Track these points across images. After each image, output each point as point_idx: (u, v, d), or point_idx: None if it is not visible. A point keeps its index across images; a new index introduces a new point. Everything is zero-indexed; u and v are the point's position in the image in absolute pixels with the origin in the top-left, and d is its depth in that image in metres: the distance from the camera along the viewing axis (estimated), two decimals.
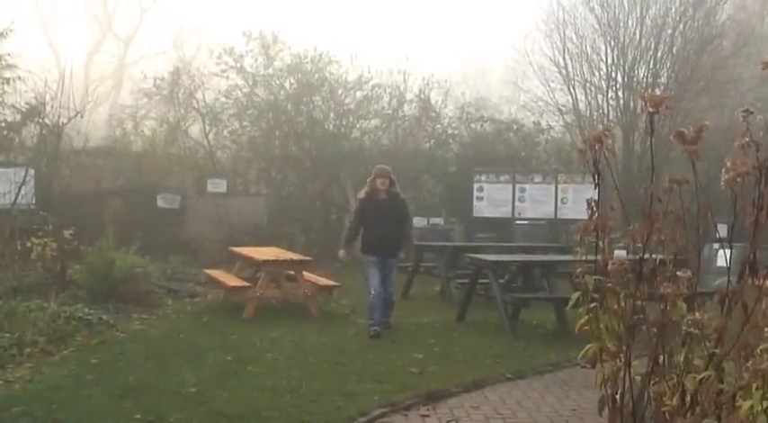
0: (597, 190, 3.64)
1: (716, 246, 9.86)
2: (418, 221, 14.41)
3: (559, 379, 7.13)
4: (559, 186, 16.23)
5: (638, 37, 17.55)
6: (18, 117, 14.77)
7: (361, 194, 9.32)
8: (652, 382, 3.49)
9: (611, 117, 17.61)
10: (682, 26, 17.43)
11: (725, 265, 3.63)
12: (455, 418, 5.82)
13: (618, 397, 3.72)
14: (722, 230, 3.75)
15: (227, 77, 19.65)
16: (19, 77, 14.22)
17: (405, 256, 10.04)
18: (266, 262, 10.31)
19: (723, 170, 2.96)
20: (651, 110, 3.19)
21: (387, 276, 9.04)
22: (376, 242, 8.98)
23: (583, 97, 18.23)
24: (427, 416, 5.83)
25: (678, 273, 3.26)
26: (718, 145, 10.25)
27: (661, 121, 3.52)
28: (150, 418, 5.56)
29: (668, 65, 17.59)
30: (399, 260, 9.49)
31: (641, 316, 3.51)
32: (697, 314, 3.09)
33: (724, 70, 17.19)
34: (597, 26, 17.83)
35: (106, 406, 5.85)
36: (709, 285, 7.89)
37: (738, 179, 2.91)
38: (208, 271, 11.61)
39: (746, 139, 2.93)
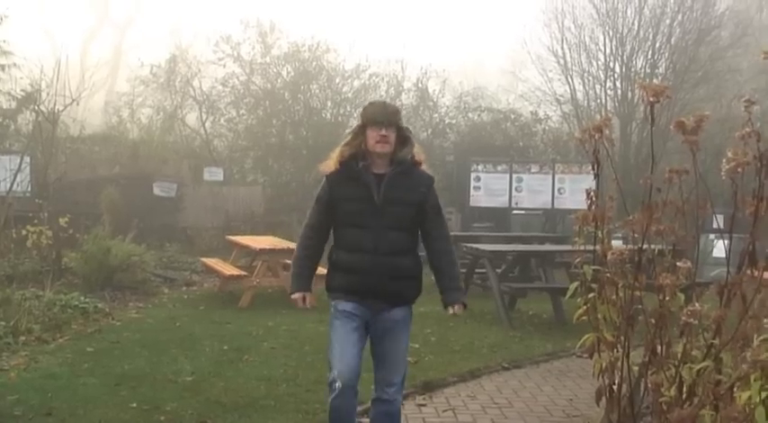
0: (596, 180, 3.62)
1: (712, 236, 9.90)
2: None
3: (556, 369, 7.13)
4: (556, 176, 16.20)
5: (636, 27, 17.51)
6: (14, 104, 14.75)
7: (330, 165, 4.29)
8: (650, 373, 3.48)
9: (608, 107, 17.58)
10: (680, 17, 17.39)
11: (721, 255, 3.62)
12: (451, 408, 5.81)
13: (615, 387, 3.71)
14: (717, 221, 3.75)
15: (224, 65, 19.64)
16: (14, 64, 14.17)
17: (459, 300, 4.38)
18: (263, 250, 10.29)
19: (724, 160, 2.94)
20: (652, 99, 3.17)
21: (384, 357, 4.28)
22: (359, 272, 4.17)
23: (581, 87, 18.21)
24: (424, 405, 5.83)
25: (678, 263, 3.25)
26: (716, 135, 10.31)
27: (659, 112, 3.50)
28: (146, 407, 5.55)
29: (666, 55, 17.55)
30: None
31: (639, 306, 3.50)
32: (696, 305, 3.07)
33: (722, 61, 17.17)
34: (596, 16, 17.79)
35: (102, 394, 5.83)
36: (705, 276, 7.90)
37: (739, 170, 2.89)
38: (204, 259, 11.61)
39: (747, 130, 2.91)
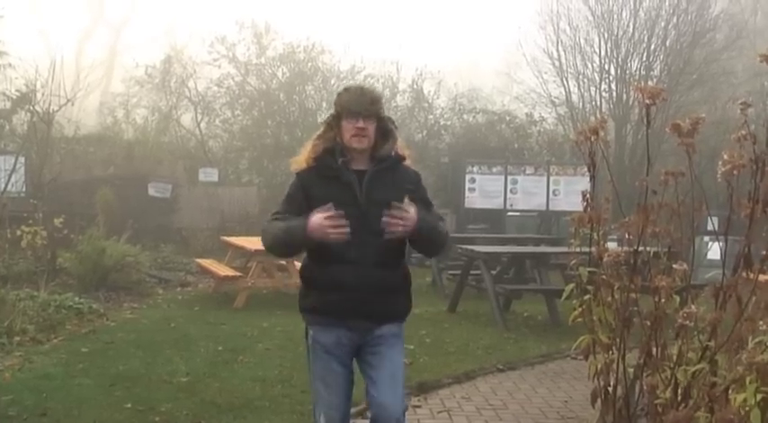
0: (592, 182, 3.63)
1: (706, 238, 9.92)
2: None
3: (550, 370, 7.13)
4: (551, 178, 16.22)
5: (631, 29, 17.55)
6: (8, 104, 14.69)
7: (301, 161, 3.71)
8: (645, 375, 3.49)
9: (603, 109, 17.62)
10: (675, 19, 17.43)
11: (715, 257, 3.63)
12: (446, 409, 5.81)
13: (611, 389, 3.72)
14: (714, 223, 3.76)
15: (220, 66, 19.66)
16: (9, 64, 14.12)
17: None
18: (258, 251, 10.25)
19: (720, 163, 2.95)
20: (648, 102, 3.18)
21: (382, 384, 3.60)
22: (341, 288, 3.51)
23: (576, 89, 18.26)
24: (418, 406, 5.82)
25: (674, 266, 3.26)
26: (710, 138, 10.32)
27: (653, 114, 3.52)
28: (141, 408, 5.54)
29: (661, 58, 17.59)
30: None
31: (635, 308, 3.51)
32: (693, 307, 3.08)
33: (717, 63, 17.22)
34: (591, 18, 17.84)
35: (96, 395, 5.82)
36: (700, 278, 7.91)
37: (735, 172, 2.91)
38: (199, 260, 11.60)
39: (744, 132, 2.92)
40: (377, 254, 3.47)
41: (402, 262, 3.69)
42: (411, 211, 3.40)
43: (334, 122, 3.62)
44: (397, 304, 3.65)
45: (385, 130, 3.63)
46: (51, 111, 13.23)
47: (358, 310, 3.49)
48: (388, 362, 3.58)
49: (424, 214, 3.50)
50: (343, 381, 3.58)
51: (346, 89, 3.73)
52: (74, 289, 9.70)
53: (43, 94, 13.19)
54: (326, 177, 3.54)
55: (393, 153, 3.63)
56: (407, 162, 3.71)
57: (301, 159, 3.66)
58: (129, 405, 5.59)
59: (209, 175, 17.73)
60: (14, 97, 14.28)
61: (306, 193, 3.56)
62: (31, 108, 13.53)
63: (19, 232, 10.97)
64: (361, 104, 3.55)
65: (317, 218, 3.34)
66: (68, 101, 13.55)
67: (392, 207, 3.35)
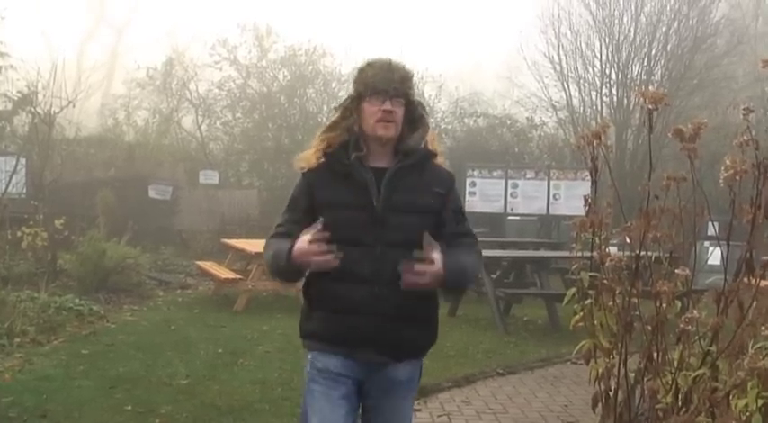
0: (594, 186, 3.63)
1: (707, 243, 9.92)
2: None
3: (550, 375, 7.14)
4: (552, 182, 16.23)
5: (632, 34, 17.57)
6: (9, 106, 14.70)
7: (309, 158, 2.99)
8: (646, 379, 3.49)
9: (604, 114, 17.64)
10: (676, 24, 17.46)
11: (715, 262, 3.63)
12: (446, 413, 5.81)
13: (611, 393, 3.72)
14: (713, 228, 3.76)
15: (221, 69, 19.69)
16: (11, 66, 14.12)
17: None
18: (258, 254, 10.26)
19: (723, 168, 2.95)
20: (651, 107, 3.18)
21: None
22: (351, 311, 2.85)
23: (576, 94, 18.29)
24: (418, 410, 5.82)
25: (677, 270, 3.26)
26: (711, 143, 10.33)
27: (655, 119, 3.51)
28: (141, 410, 5.54)
29: (662, 62, 17.62)
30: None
31: (636, 313, 3.51)
32: (695, 311, 3.08)
33: (717, 69, 17.25)
34: (592, 23, 17.86)
35: (97, 397, 5.82)
36: (699, 283, 7.90)
37: (737, 177, 2.91)
38: (199, 263, 11.61)
39: (746, 138, 2.92)
40: (395, 270, 2.72)
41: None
42: (436, 258, 2.73)
43: (353, 106, 2.93)
44: (418, 336, 2.94)
45: (413, 118, 2.95)
46: (52, 112, 13.25)
47: (370, 340, 2.83)
48: (396, 414, 3.01)
49: (452, 258, 2.79)
50: (344, 416, 2.88)
51: (370, 64, 2.99)
52: (74, 290, 9.70)
53: (44, 96, 13.22)
54: (337, 176, 2.88)
55: (423, 146, 2.94)
56: (439, 159, 3.01)
57: (309, 155, 2.97)
58: (130, 407, 5.59)
59: (209, 177, 17.74)
60: (16, 99, 14.28)
61: (312, 196, 2.92)
62: (33, 109, 13.55)
63: (20, 233, 10.98)
64: (388, 81, 2.86)
65: (302, 241, 2.72)
66: (70, 102, 13.57)
67: (408, 260, 2.70)
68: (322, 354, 2.89)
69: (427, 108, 3.18)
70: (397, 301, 2.79)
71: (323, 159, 2.92)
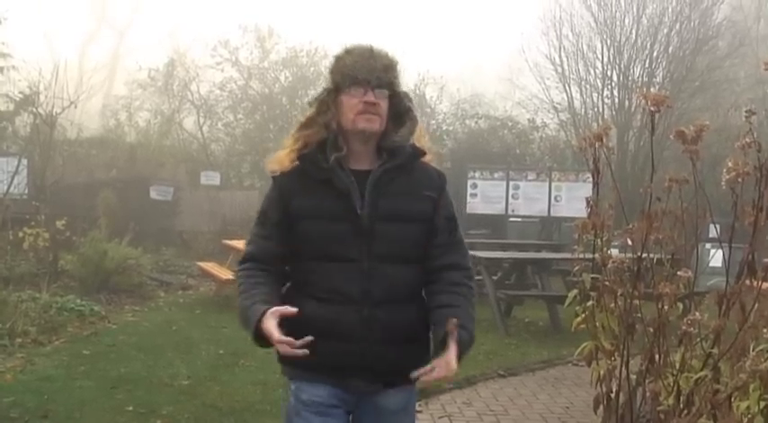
0: (596, 188, 3.63)
1: (708, 245, 9.92)
2: None
3: (551, 376, 7.13)
4: (553, 184, 16.21)
5: (634, 36, 17.55)
6: (11, 106, 14.73)
7: (282, 159, 2.62)
8: (647, 381, 3.49)
9: (606, 115, 17.62)
10: (678, 26, 17.44)
11: (717, 264, 3.64)
12: (447, 415, 5.81)
13: (613, 395, 3.72)
14: (714, 231, 3.76)
15: (222, 70, 19.72)
16: (13, 67, 14.16)
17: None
18: None
19: (725, 170, 2.95)
20: (652, 109, 3.18)
21: None
22: (338, 335, 2.50)
23: (578, 95, 18.25)
24: (419, 412, 5.81)
25: (679, 272, 3.26)
26: (713, 145, 10.33)
27: (656, 121, 3.51)
28: (142, 410, 5.54)
29: (664, 64, 17.60)
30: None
31: (638, 315, 3.51)
32: (697, 314, 3.09)
33: (719, 70, 17.22)
34: (594, 24, 17.83)
35: (98, 397, 5.82)
36: (701, 285, 7.90)
37: (739, 179, 2.91)
38: (200, 263, 11.60)
39: (748, 140, 2.92)
40: (388, 288, 2.50)
41: (422, 297, 2.64)
42: (452, 358, 2.50)
43: (330, 99, 2.56)
44: (413, 358, 2.52)
45: (399, 111, 2.58)
46: (54, 113, 13.26)
47: (358, 365, 2.52)
48: None
49: (463, 338, 2.54)
50: None
51: (348, 51, 2.62)
52: (75, 291, 9.71)
53: (46, 97, 13.23)
54: (314, 181, 2.52)
55: (410, 143, 2.59)
56: (428, 158, 2.65)
57: (283, 156, 2.61)
58: (131, 408, 5.60)
59: (210, 178, 17.74)
60: (18, 99, 14.32)
61: (286, 204, 2.55)
62: (34, 110, 13.57)
63: (21, 234, 10.99)
64: (370, 70, 2.52)
65: (272, 327, 2.42)
66: (71, 103, 13.58)
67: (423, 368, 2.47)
68: (308, 383, 2.56)
69: (428, 110, 3.18)
70: (390, 323, 2.50)
71: (296, 162, 2.56)
